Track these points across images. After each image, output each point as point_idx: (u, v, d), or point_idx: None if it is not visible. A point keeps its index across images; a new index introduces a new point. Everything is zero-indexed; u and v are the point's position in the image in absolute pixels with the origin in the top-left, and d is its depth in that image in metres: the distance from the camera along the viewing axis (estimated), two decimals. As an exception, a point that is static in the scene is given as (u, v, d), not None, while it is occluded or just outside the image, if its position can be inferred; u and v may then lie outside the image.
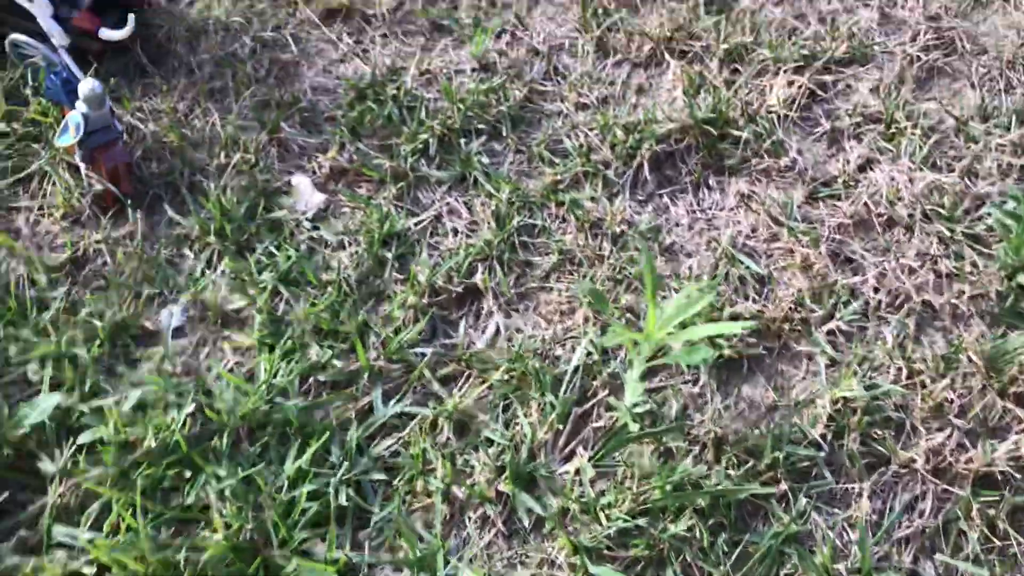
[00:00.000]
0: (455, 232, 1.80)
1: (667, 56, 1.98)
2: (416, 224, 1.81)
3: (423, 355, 1.67)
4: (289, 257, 1.78)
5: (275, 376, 1.63)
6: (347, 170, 1.90)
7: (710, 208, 1.81)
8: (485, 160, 1.87)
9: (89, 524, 1.53)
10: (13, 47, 2.01)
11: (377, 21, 2.10)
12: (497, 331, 1.70)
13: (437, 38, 2.08)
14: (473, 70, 2.01)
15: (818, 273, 1.68)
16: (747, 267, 1.71)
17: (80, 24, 1.96)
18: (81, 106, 1.78)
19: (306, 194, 1.88)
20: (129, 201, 1.86)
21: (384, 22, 2.10)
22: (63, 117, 1.94)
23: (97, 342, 1.70)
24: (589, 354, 1.61)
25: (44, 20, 1.92)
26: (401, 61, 2.03)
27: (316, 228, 1.83)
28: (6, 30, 2.00)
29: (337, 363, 1.66)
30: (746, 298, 1.68)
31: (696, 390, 1.58)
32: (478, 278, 1.73)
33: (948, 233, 1.72)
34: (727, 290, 1.67)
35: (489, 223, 1.78)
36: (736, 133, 1.85)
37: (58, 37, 1.92)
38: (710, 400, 1.58)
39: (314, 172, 1.91)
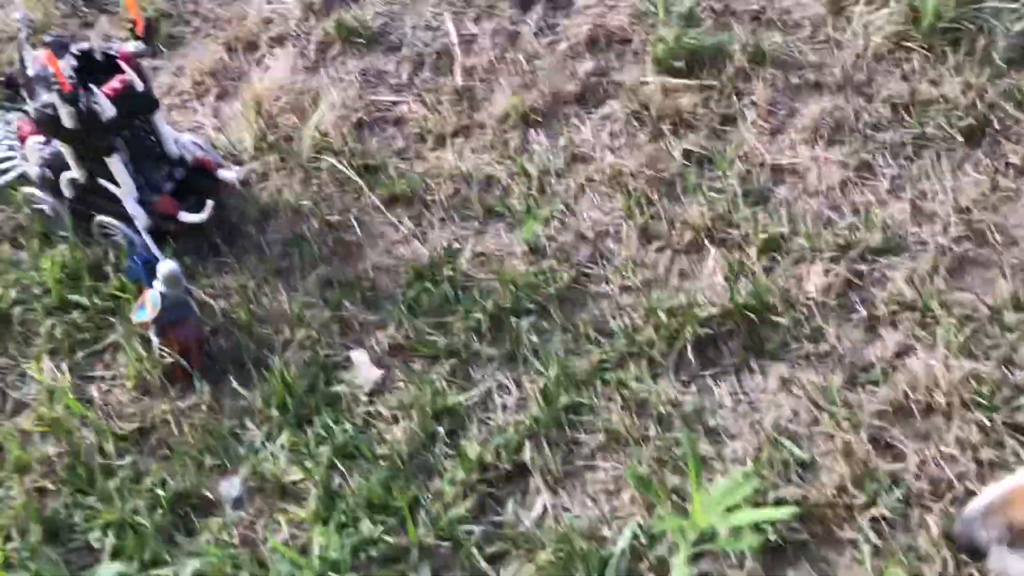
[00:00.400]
0: (504, 408, 1.87)
1: (707, 243, 2.09)
2: (467, 400, 1.89)
3: (471, 532, 1.71)
4: (346, 431, 1.85)
5: (328, 550, 1.68)
6: (403, 346, 2.00)
7: (752, 391, 1.86)
8: (534, 339, 1.96)
9: None
10: (99, 227, 2.17)
11: (435, 207, 2.25)
12: (544, 510, 1.74)
13: (491, 223, 2.21)
14: (524, 253, 2.13)
15: (860, 459, 1.71)
16: (790, 451, 1.75)
17: (162, 208, 2.12)
18: (159, 285, 1.91)
19: (364, 369, 1.97)
20: (197, 375, 1.96)
21: (442, 207, 2.24)
22: (140, 293, 2.08)
23: (159, 511, 1.77)
24: (636, 536, 1.64)
25: (129, 204, 2.08)
26: (457, 244, 2.16)
27: (372, 402, 1.92)
28: (93, 212, 2.18)
29: (388, 538, 1.71)
30: (789, 482, 1.71)
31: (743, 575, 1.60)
32: (526, 455, 1.79)
33: (988, 422, 1.75)
34: (771, 474, 1.71)
35: (537, 400, 1.85)
36: (776, 319, 1.93)
37: (141, 220, 2.08)
38: (756, 586, 1.59)
39: (372, 348, 2.01)
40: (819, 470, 1.73)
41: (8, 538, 1.74)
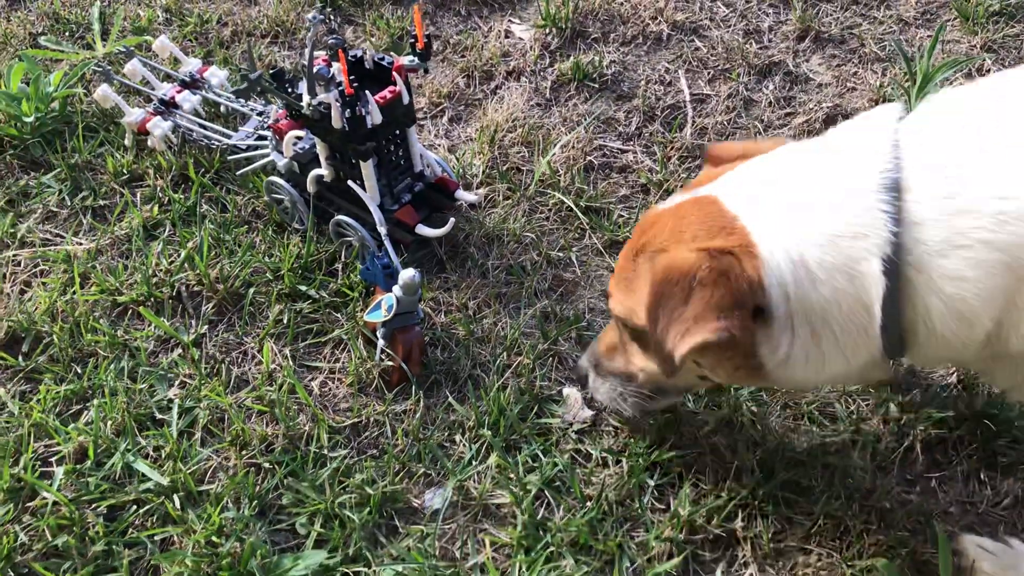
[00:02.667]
0: (717, 473, 1.84)
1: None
2: (679, 457, 1.86)
3: (675, 592, 1.68)
4: (555, 464, 1.85)
5: (531, 580, 1.67)
6: (616, 392, 1.99)
7: (981, 503, 1.78)
8: (754, 408, 1.92)
9: None
10: (336, 226, 2.25)
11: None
12: (752, 583, 1.70)
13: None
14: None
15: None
16: None
17: (401, 217, 2.19)
18: (397, 290, 1.96)
19: (575, 407, 1.97)
20: (415, 381, 2.00)
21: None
22: (367, 294, 2.14)
23: (367, 509, 1.80)
24: (854, 630, 1.58)
25: (373, 208, 2.15)
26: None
27: (581, 441, 1.91)
28: (332, 211, 2.26)
29: (591, 581, 1.69)
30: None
31: None
32: (738, 524, 1.75)
33: None
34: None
35: (754, 471, 1.81)
36: (1014, 433, 1.84)
37: (384, 226, 2.14)
38: None
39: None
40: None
41: (223, 507, 1.79)
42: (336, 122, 2.03)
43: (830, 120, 2.56)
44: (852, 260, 1.32)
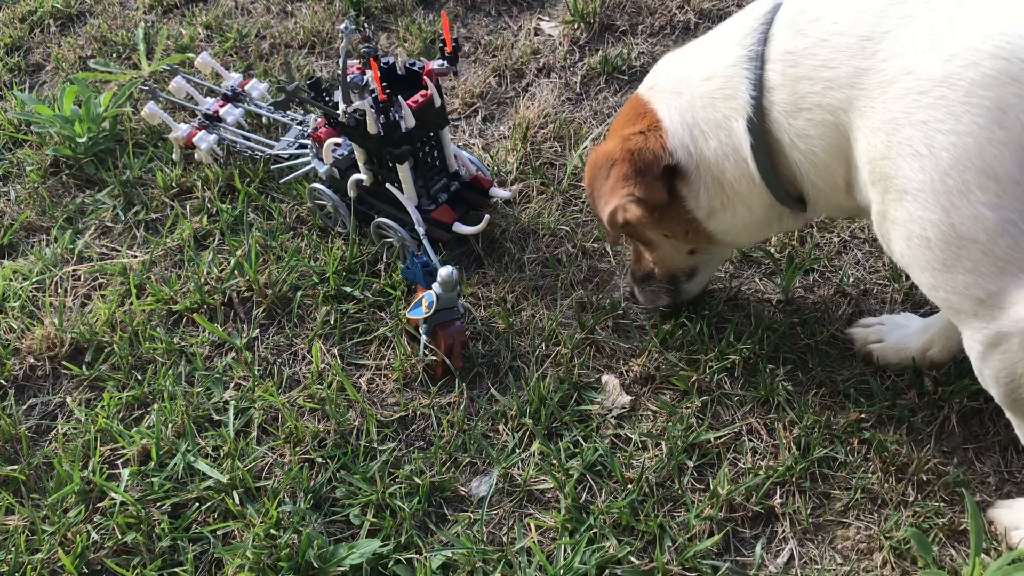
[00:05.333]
0: (755, 452, 1.88)
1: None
2: (716, 438, 1.91)
3: (717, 569, 1.72)
4: (596, 449, 1.91)
5: (575, 561, 1.73)
6: (654, 376, 2.04)
7: (1019, 472, 1.80)
8: (789, 387, 1.96)
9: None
10: (376, 228, 2.33)
11: (692, 245, 2.29)
12: (791, 558, 1.74)
13: (746, 268, 2.23)
14: (779, 302, 2.14)
15: None
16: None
17: (439, 216, 2.26)
18: (436, 287, 2.03)
19: (614, 393, 2.03)
20: (458, 374, 2.07)
21: (697, 247, 2.28)
22: (409, 292, 2.22)
23: (416, 498, 1.87)
24: (893, 599, 1.62)
25: (411, 209, 2.23)
26: (712, 285, 2.19)
27: (621, 426, 1.96)
28: (372, 213, 2.34)
29: (633, 560, 1.74)
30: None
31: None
32: (776, 501, 1.79)
33: None
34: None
35: (791, 448, 1.85)
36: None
37: (422, 226, 2.22)
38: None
39: (622, 374, 2.06)
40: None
41: (280, 501, 1.88)
42: (372, 128, 2.11)
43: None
44: (726, 118, 1.63)
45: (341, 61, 2.08)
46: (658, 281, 2.04)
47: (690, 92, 1.68)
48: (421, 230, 2.21)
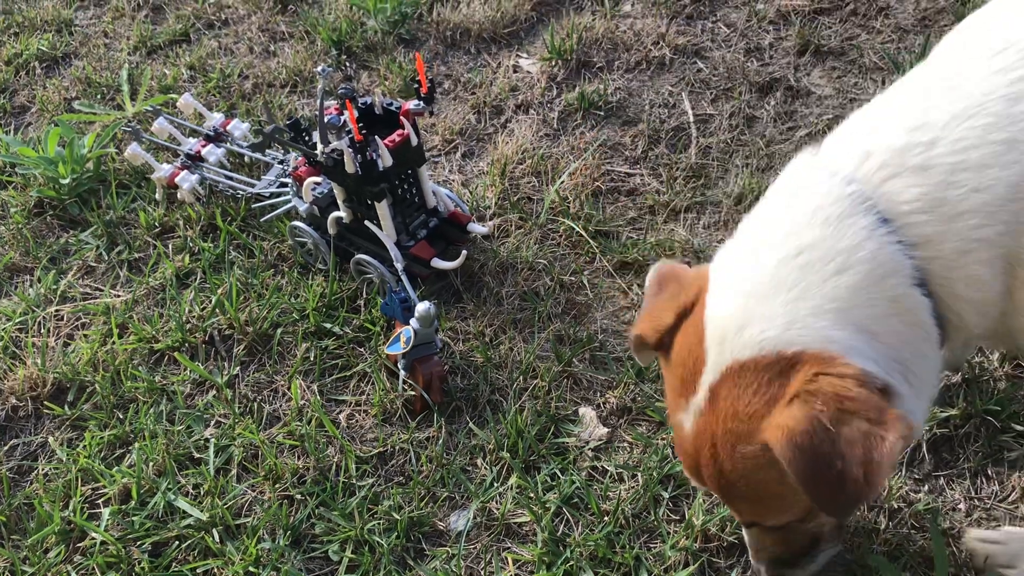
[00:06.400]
0: (729, 482, 1.90)
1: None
2: (691, 469, 1.93)
3: (692, 598, 1.74)
4: (573, 482, 1.93)
5: (552, 594, 1.75)
6: (630, 408, 2.06)
7: (988, 498, 1.82)
8: (762, 418, 1.98)
9: None
10: (356, 264, 2.36)
11: (666, 277, 2.32)
12: (766, 587, 1.75)
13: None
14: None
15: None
16: (1030, 565, 1.69)
17: (418, 253, 2.29)
18: (414, 323, 2.06)
19: (591, 425, 2.05)
20: (436, 408, 2.09)
21: (673, 279, 2.31)
22: (389, 328, 2.24)
23: (395, 534, 1.89)
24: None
25: (390, 245, 2.26)
26: (686, 316, 2.21)
27: (598, 458, 1.98)
28: (352, 250, 2.37)
29: (610, 592, 1.76)
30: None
31: None
32: (750, 531, 1.81)
33: None
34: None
35: (764, 479, 1.87)
36: (1019, 428, 1.88)
37: (399, 262, 2.25)
38: None
39: (599, 406, 2.09)
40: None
41: (260, 539, 1.89)
42: (350, 167, 2.15)
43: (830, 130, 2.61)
44: (893, 300, 1.29)
45: (318, 103, 2.12)
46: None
47: (831, 303, 1.28)
48: (399, 266, 2.24)
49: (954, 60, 1.41)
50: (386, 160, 2.15)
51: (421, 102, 2.22)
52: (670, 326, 1.43)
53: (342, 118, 2.14)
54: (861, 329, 1.27)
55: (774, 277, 1.31)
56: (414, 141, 2.22)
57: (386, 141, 2.17)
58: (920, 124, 1.32)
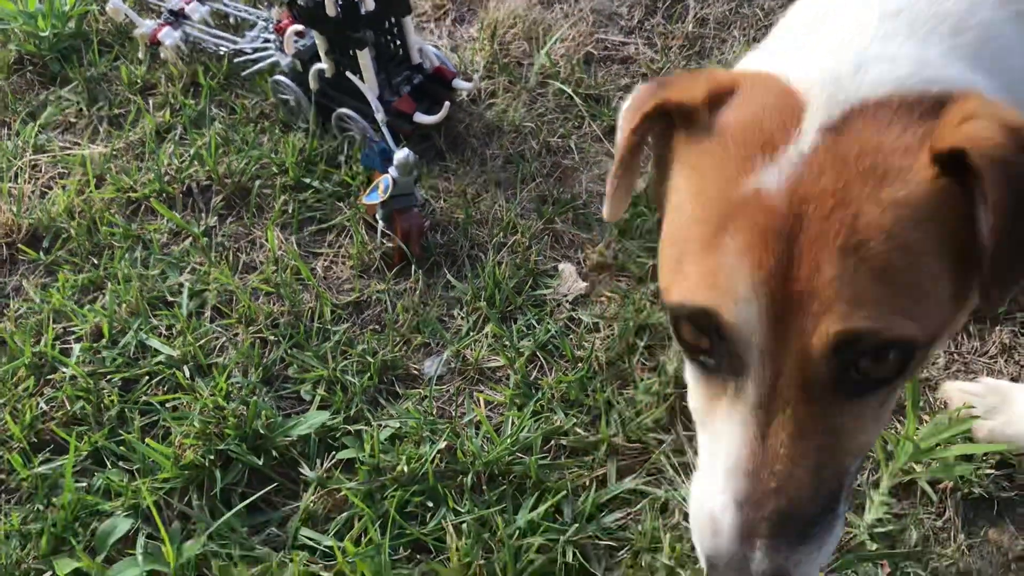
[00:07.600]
0: (706, 335, 1.87)
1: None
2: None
3: (662, 441, 1.73)
4: (548, 331, 1.91)
5: (521, 432, 1.74)
6: (611, 265, 2.03)
7: (968, 353, 1.80)
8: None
9: (334, 532, 1.66)
10: (338, 120, 2.31)
11: (655, 140, 2.27)
12: (737, 432, 1.74)
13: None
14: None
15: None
16: (1004, 414, 1.68)
17: (400, 107, 2.24)
18: (392, 171, 2.02)
19: (570, 280, 2.02)
20: (415, 261, 2.06)
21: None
22: (370, 182, 2.20)
23: (367, 375, 1.87)
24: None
25: (372, 99, 2.20)
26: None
27: (575, 310, 1.96)
28: (334, 106, 2.32)
29: (580, 431, 1.75)
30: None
31: (940, 523, 1.55)
32: (725, 379, 1.79)
33: None
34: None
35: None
36: (1003, 286, 1.85)
37: (380, 114, 2.20)
38: (952, 537, 1.54)
39: (580, 262, 2.06)
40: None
41: (230, 375, 1.88)
42: (330, 10, 2.08)
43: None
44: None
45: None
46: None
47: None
48: (380, 116, 2.18)
49: None
50: (368, 4, 2.08)
51: (406, -55, 2.15)
52: (704, 100, 1.07)
53: (323, -43, 2.07)
54: (993, 74, 1.06)
55: (880, 27, 1.07)
56: (398, -13, 2.15)
57: (369, -16, 2.10)
58: None
